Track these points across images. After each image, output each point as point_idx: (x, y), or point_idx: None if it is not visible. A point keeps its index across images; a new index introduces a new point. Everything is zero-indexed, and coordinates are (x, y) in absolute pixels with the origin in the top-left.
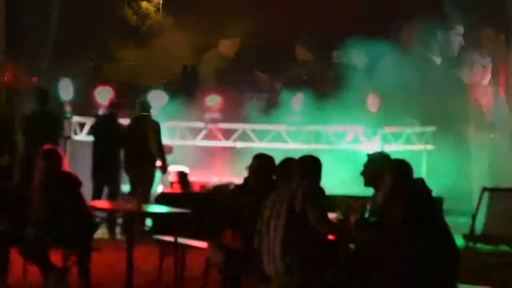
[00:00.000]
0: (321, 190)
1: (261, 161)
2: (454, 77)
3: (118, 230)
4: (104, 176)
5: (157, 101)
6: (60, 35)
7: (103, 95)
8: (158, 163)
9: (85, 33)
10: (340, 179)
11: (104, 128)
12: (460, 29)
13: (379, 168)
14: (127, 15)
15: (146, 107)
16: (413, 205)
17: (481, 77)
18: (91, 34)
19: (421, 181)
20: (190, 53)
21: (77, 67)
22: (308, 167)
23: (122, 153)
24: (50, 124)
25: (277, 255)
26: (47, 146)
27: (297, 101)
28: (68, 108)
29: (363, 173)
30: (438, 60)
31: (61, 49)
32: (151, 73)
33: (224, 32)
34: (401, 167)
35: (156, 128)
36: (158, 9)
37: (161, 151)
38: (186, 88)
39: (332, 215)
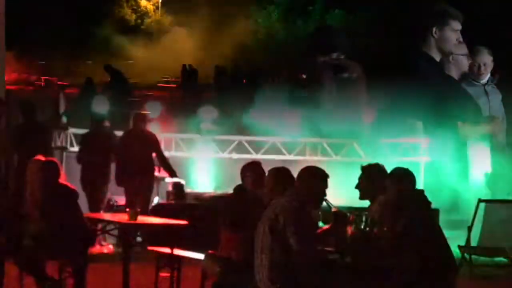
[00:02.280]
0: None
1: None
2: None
3: (109, 241)
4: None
5: (152, 112)
6: (60, 35)
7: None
8: (156, 173)
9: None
10: (336, 190)
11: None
12: (457, 25)
13: (375, 181)
14: (126, 13)
15: (141, 118)
16: (414, 216)
17: (479, 75)
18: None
19: (421, 192)
20: (190, 52)
21: (76, 67)
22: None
23: (117, 165)
24: (40, 135)
25: (265, 278)
26: (44, 157)
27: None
28: (63, 120)
29: (358, 186)
30: (437, 58)
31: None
32: (150, 72)
33: (224, 30)
34: (406, 177)
35: (155, 139)
36: (158, 7)
37: (166, 160)
38: (185, 90)
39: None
